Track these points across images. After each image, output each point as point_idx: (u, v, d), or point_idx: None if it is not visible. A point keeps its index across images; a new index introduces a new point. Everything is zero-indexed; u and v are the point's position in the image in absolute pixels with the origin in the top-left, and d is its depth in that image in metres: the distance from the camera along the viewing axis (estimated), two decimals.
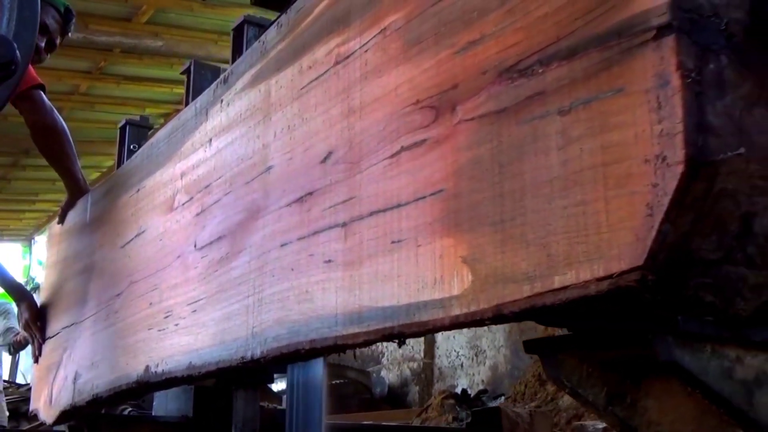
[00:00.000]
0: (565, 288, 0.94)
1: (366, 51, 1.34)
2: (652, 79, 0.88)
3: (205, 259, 1.76)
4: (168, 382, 1.88)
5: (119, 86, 8.41)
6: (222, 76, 1.83)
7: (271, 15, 1.59)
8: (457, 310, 1.08)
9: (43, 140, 2.87)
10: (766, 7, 0.96)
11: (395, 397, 7.43)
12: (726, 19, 0.91)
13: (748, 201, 0.92)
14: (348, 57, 1.38)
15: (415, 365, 7.60)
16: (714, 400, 0.98)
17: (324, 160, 1.40)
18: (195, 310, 1.76)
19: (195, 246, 1.82)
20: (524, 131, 1.03)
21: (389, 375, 7.69)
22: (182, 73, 3.39)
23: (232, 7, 6.37)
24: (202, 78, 3.21)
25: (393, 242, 1.21)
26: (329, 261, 1.34)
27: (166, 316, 1.91)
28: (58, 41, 2.93)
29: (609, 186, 0.91)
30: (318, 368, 2.32)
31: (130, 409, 3.32)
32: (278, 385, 5.46)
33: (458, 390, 6.20)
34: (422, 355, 7.54)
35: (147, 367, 1.95)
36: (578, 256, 0.93)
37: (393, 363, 7.78)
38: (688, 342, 0.96)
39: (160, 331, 1.93)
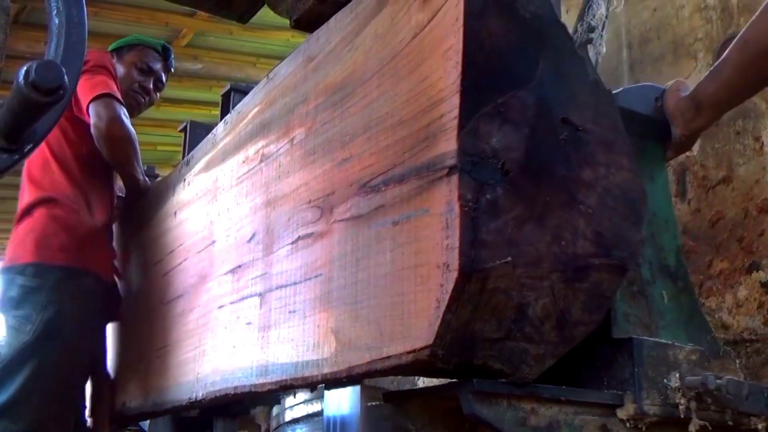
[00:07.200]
0: (388, 357, 1.25)
1: (280, 155, 1.67)
2: (444, 205, 1.20)
3: (169, 313, 2.10)
4: (138, 416, 2.21)
5: (158, 108, 8.51)
6: (185, 159, 2.17)
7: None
8: (325, 370, 1.39)
9: (103, 147, 2.56)
10: (541, 148, 1.27)
11: None
12: (504, 160, 1.23)
13: (519, 295, 1.23)
14: (269, 158, 1.72)
15: None
16: None
17: (250, 240, 1.73)
18: (159, 356, 2.10)
19: (162, 301, 2.16)
20: (372, 234, 1.35)
21: None
22: (180, 131, 3.77)
23: (271, 30, 6.35)
24: (196, 135, 3.57)
25: (290, 312, 1.53)
26: (250, 323, 1.67)
27: (140, 360, 2.25)
28: (163, 77, 3.10)
29: (418, 283, 1.23)
30: (354, 393, 2.49)
31: None
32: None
33: None
34: None
35: (123, 402, 2.29)
36: (397, 334, 1.25)
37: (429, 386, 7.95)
38: (486, 398, 1.26)
39: (134, 372, 2.27)
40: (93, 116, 2.48)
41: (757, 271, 2.08)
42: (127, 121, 2.55)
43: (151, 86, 3.03)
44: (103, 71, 2.63)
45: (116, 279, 2.63)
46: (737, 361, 1.55)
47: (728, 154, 2.20)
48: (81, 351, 2.39)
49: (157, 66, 3.04)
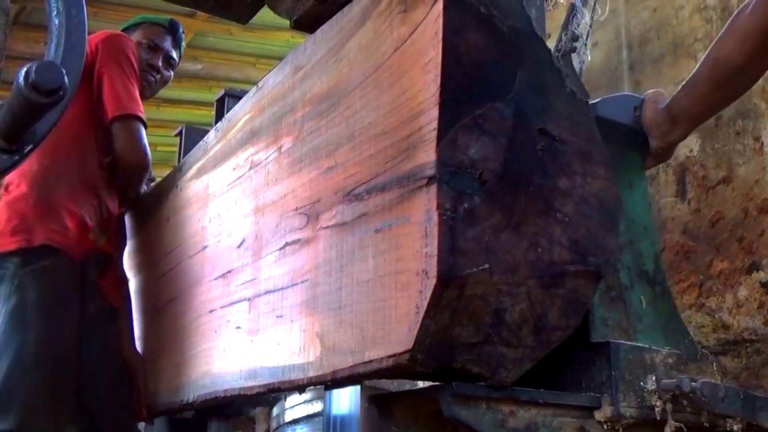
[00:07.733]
0: (370, 361, 1.29)
1: (269, 163, 1.71)
2: (424, 214, 1.24)
3: (164, 316, 2.14)
4: None
5: (159, 109, 8.54)
6: (178, 165, 2.21)
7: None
8: (311, 373, 1.43)
9: (120, 170, 2.52)
10: (518, 158, 1.31)
11: None
12: (481, 170, 1.26)
13: (496, 301, 1.26)
14: (258, 165, 1.76)
15: None
16: None
17: (239, 246, 1.77)
18: (154, 359, 2.14)
19: (156, 305, 2.20)
20: (355, 242, 1.38)
21: None
22: (175, 135, 3.82)
23: (271, 30, 6.29)
24: (191, 140, 3.61)
25: (278, 316, 1.57)
26: (239, 327, 1.71)
27: None
28: (173, 53, 2.96)
29: (398, 289, 1.26)
30: (354, 393, 2.47)
31: None
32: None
33: None
34: None
35: None
36: (379, 339, 1.28)
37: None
38: (466, 400, 1.30)
39: None
40: (116, 139, 2.41)
41: (757, 271, 2.11)
42: (147, 146, 2.48)
43: (160, 63, 2.90)
44: (131, 71, 2.56)
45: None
46: (714, 365, 1.59)
47: (728, 154, 2.23)
48: (60, 337, 2.22)
49: (165, 43, 2.92)
